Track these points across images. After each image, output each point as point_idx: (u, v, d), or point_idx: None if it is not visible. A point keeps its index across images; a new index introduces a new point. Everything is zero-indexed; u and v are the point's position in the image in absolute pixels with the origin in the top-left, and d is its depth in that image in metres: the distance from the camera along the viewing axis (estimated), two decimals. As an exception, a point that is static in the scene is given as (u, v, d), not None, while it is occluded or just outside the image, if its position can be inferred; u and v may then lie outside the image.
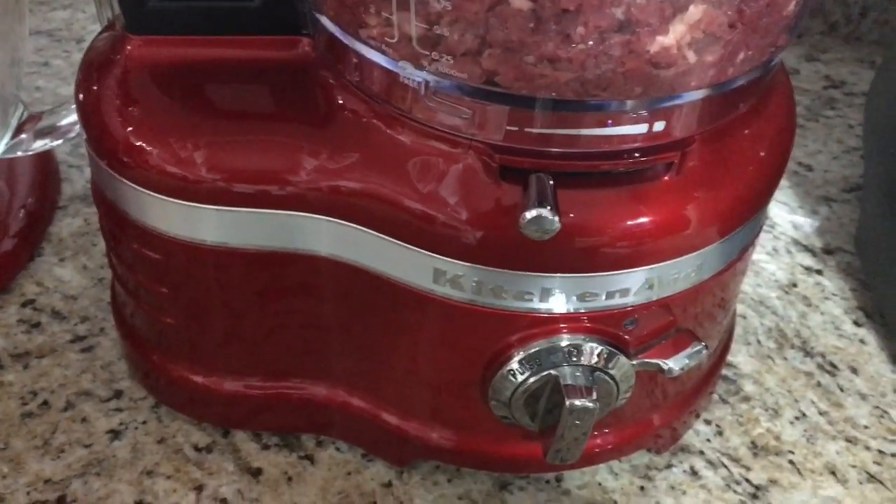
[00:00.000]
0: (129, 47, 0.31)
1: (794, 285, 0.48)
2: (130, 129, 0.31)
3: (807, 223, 0.52)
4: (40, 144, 0.43)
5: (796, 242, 0.51)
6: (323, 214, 0.31)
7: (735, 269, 0.34)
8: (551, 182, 0.27)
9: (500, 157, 0.28)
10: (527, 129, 0.28)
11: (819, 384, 0.43)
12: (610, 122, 0.27)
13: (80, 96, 0.34)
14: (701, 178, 0.30)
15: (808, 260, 0.50)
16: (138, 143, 0.31)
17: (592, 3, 0.25)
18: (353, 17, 0.28)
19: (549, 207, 0.26)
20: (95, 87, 0.33)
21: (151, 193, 0.31)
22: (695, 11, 0.25)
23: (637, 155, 0.28)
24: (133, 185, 0.31)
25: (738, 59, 0.27)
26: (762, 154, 0.33)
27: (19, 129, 0.43)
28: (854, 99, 0.61)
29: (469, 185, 0.29)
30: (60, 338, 0.42)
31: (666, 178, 0.29)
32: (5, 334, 0.42)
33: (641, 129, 0.28)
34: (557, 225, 0.26)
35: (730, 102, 0.29)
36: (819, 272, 0.49)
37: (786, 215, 0.52)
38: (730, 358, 0.43)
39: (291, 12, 0.31)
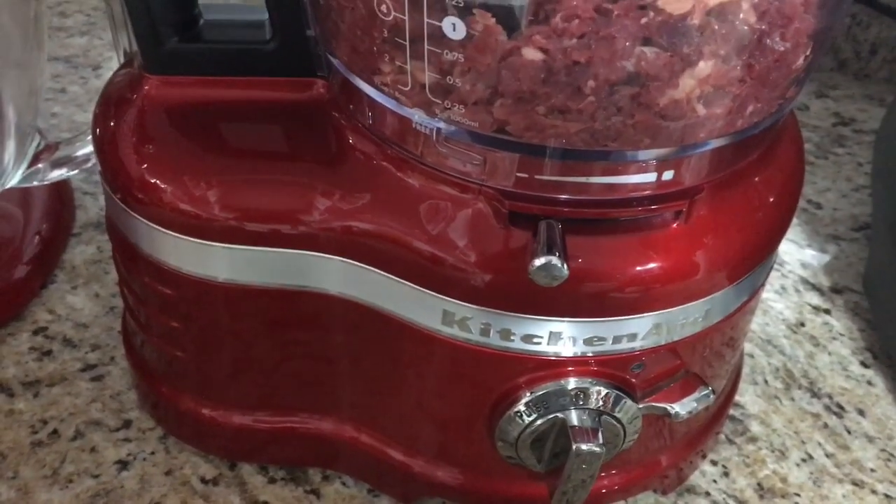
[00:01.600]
0: (146, 87, 0.32)
1: (802, 324, 0.48)
2: (145, 166, 0.32)
3: (815, 261, 0.52)
4: (56, 174, 0.44)
5: (805, 281, 0.51)
6: (334, 254, 0.31)
7: (744, 312, 0.34)
8: (560, 228, 0.28)
9: (510, 203, 0.28)
10: (537, 177, 0.28)
11: (826, 426, 0.43)
12: (619, 170, 0.28)
13: (98, 130, 0.34)
14: (710, 226, 0.30)
15: (816, 299, 0.50)
16: (153, 181, 0.32)
17: (603, 56, 0.25)
18: (367, 63, 0.28)
19: (557, 255, 0.27)
20: (112, 123, 0.33)
21: (164, 230, 0.32)
22: (704, 67, 0.25)
23: (646, 203, 0.29)
24: (146, 222, 0.32)
25: (747, 112, 0.27)
26: (772, 199, 0.33)
27: (36, 159, 0.44)
28: (863, 136, 0.62)
29: (479, 230, 0.29)
30: (71, 366, 0.42)
31: (674, 225, 0.29)
32: (17, 362, 0.42)
33: (650, 177, 0.28)
34: (566, 272, 0.27)
35: (739, 151, 0.30)
36: (827, 311, 0.49)
37: (794, 253, 0.52)
38: (737, 398, 0.43)
39: (306, 54, 0.32)
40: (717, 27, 0.25)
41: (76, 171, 0.43)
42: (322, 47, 0.31)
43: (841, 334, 0.48)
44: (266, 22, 0.32)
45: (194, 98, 0.32)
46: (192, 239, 0.31)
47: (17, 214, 0.49)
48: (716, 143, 0.28)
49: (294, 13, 0.31)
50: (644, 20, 0.25)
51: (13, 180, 0.43)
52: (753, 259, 0.33)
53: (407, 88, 0.27)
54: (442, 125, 0.28)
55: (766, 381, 0.45)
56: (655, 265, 0.29)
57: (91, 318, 0.45)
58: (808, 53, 0.27)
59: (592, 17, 0.25)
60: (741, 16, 0.26)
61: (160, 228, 0.32)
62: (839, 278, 0.51)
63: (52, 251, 0.49)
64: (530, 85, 0.26)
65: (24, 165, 0.43)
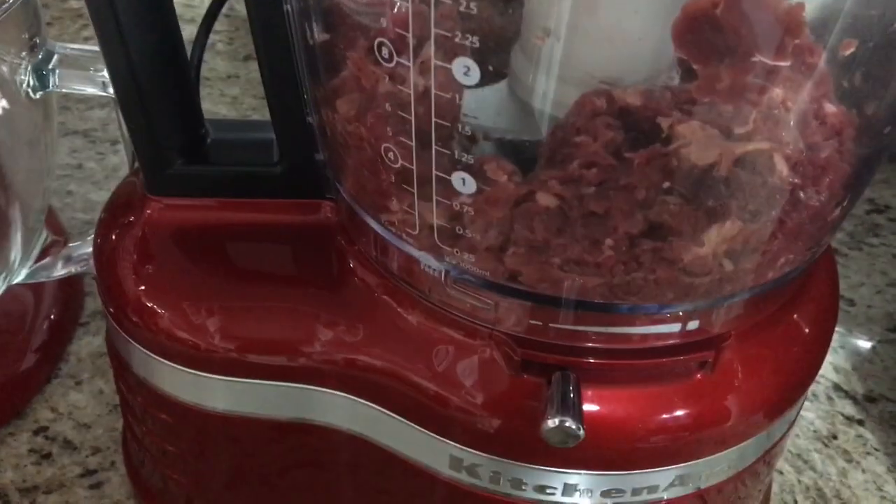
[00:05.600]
0: (148, 211, 0.31)
1: (835, 437, 0.46)
2: (143, 288, 0.31)
3: (848, 365, 0.49)
4: (64, 271, 0.43)
5: (837, 387, 0.48)
6: (338, 389, 0.30)
7: (779, 447, 0.32)
8: (576, 381, 0.26)
9: (523, 350, 0.27)
10: (551, 325, 0.26)
11: (860, 554, 0.40)
12: (639, 322, 0.26)
13: (99, 240, 0.33)
14: (738, 373, 0.28)
15: (849, 408, 0.47)
16: (149, 304, 0.30)
17: (622, 207, 0.24)
18: (373, 201, 0.27)
19: (572, 415, 0.25)
20: (114, 237, 0.32)
21: (159, 358, 0.30)
22: (731, 227, 0.23)
23: (669, 353, 0.27)
24: (140, 347, 0.31)
25: (778, 264, 0.26)
26: (807, 331, 0.31)
27: (43, 254, 0.43)
28: (899, 225, 0.59)
29: (488, 374, 0.27)
30: (70, 471, 0.41)
31: (699, 375, 0.27)
32: (15, 465, 0.41)
33: (674, 328, 0.26)
34: (581, 434, 0.25)
35: (771, 298, 0.28)
36: (861, 423, 0.46)
37: (826, 356, 0.50)
38: (765, 521, 0.40)
39: (314, 177, 0.30)
40: (745, 179, 0.24)
41: (84, 268, 0.42)
42: (330, 172, 0.30)
43: (876, 448, 0.45)
44: (274, 141, 0.31)
45: (197, 220, 0.31)
46: (189, 370, 0.30)
47: (28, 298, 0.49)
48: (745, 295, 0.26)
49: (302, 138, 0.29)
50: (667, 170, 0.23)
51: (19, 277, 0.42)
52: (791, 397, 0.30)
53: (415, 232, 0.26)
54: (451, 269, 0.26)
55: (795, 502, 0.42)
56: (679, 418, 0.27)
57: (93, 418, 0.43)
58: (844, 204, 0.25)
59: (612, 165, 0.24)
60: (772, 166, 0.24)
61: (155, 356, 0.30)
62: (874, 385, 0.48)
63: (61, 339, 0.48)
64: (544, 234, 0.24)
65: (31, 262, 0.42)
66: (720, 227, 0.24)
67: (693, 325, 0.26)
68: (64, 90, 0.36)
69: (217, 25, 0.45)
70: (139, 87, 0.28)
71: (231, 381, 0.30)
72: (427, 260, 0.26)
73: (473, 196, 0.24)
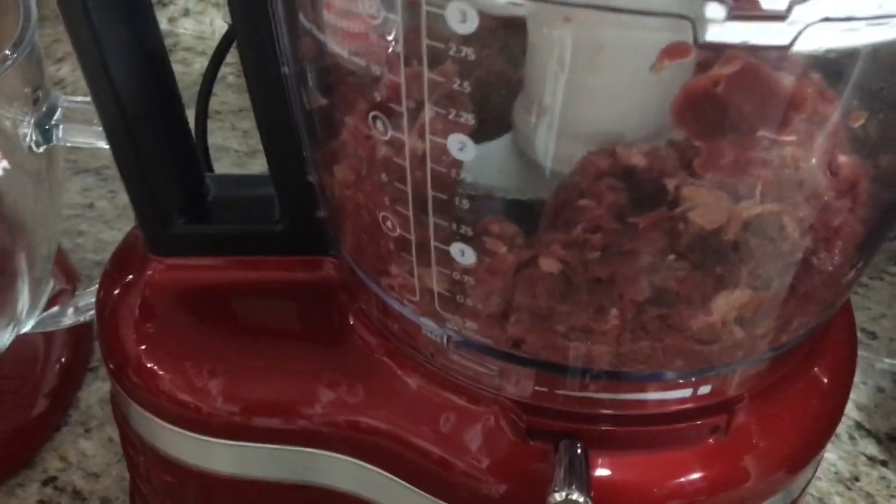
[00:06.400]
0: (149, 272, 0.30)
1: (857, 479, 0.44)
2: (143, 347, 0.30)
3: (871, 402, 0.48)
4: (72, 320, 0.42)
5: (859, 426, 0.47)
6: (341, 453, 0.29)
7: (802, 497, 0.31)
8: (584, 449, 0.25)
9: (529, 417, 0.26)
10: (557, 391, 0.25)
11: None
12: (648, 388, 0.25)
13: (102, 293, 0.33)
14: (753, 434, 0.27)
15: (871, 448, 0.46)
16: (150, 365, 0.30)
17: (628, 273, 0.23)
18: (373, 265, 0.26)
19: (578, 486, 0.24)
20: (117, 293, 0.32)
21: (159, 421, 0.30)
22: (740, 294, 0.23)
23: (680, 419, 0.26)
24: (140, 409, 0.30)
25: (792, 327, 0.25)
26: (826, 381, 0.30)
27: (51, 302, 0.43)
28: (921, 253, 0.58)
29: (494, 441, 0.27)
30: (79, 522, 0.41)
31: (711, 440, 0.27)
32: (24, 517, 0.41)
33: (684, 393, 0.25)
34: (588, 506, 0.24)
35: (785, 359, 0.27)
36: (884, 463, 0.45)
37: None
38: (786, 571, 0.39)
39: (316, 234, 0.30)
40: (754, 244, 0.23)
41: (93, 317, 0.42)
42: (331, 230, 0.29)
43: (901, 491, 0.44)
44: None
45: (199, 279, 0.31)
46: (190, 434, 0.29)
47: (39, 341, 0.48)
48: (758, 359, 0.25)
49: (303, 196, 0.29)
50: (673, 234, 0.23)
51: (27, 327, 0.41)
52: (812, 451, 0.29)
53: (415, 298, 0.25)
54: (453, 335, 0.26)
55: (818, 549, 0.41)
56: (696, 477, 0.27)
57: (102, 467, 0.43)
58: (859, 265, 0.25)
59: (617, 229, 0.23)
60: (783, 229, 0.23)
61: (155, 418, 0.30)
62: (898, 422, 0.47)
63: (71, 384, 0.48)
64: (548, 301, 0.24)
65: (38, 311, 0.42)
66: (729, 293, 0.23)
67: (704, 389, 0.26)
68: (68, 143, 0.36)
69: (228, 58, 0.45)
70: (136, 146, 0.28)
71: (234, 445, 0.29)
72: (428, 325, 0.26)
73: (473, 266, 0.23)
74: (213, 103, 0.54)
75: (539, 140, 0.24)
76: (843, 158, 0.23)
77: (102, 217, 0.58)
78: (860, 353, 0.51)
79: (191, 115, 0.36)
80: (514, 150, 0.25)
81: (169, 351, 0.30)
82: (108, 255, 0.35)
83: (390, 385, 0.28)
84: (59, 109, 0.36)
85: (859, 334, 0.52)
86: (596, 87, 0.23)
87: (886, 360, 0.50)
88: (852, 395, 0.49)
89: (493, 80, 0.20)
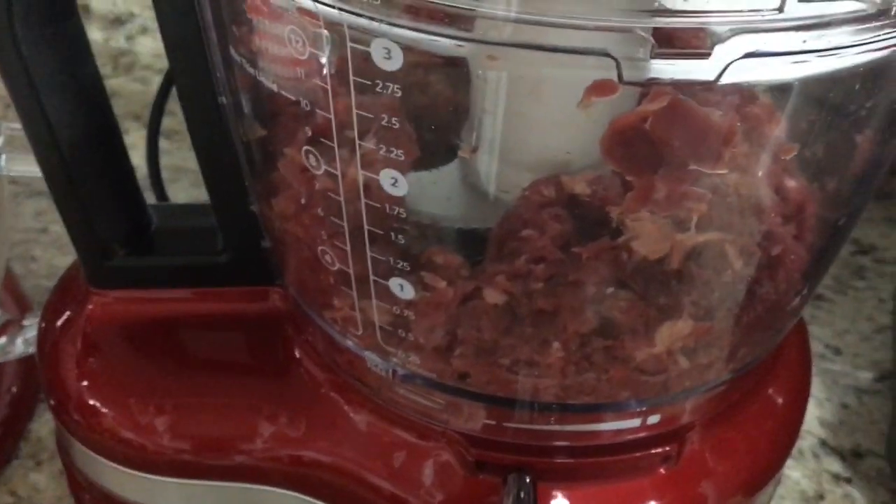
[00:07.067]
0: (90, 306, 0.30)
1: (822, 497, 0.44)
2: (85, 384, 0.29)
3: (835, 419, 0.48)
4: (21, 350, 0.41)
5: (823, 443, 0.47)
6: (288, 489, 0.28)
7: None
8: (532, 484, 0.25)
9: (477, 451, 0.25)
10: (504, 424, 0.25)
11: None
12: (596, 419, 0.25)
13: (43, 327, 0.32)
14: (707, 461, 0.27)
15: (836, 465, 0.46)
16: (92, 402, 0.29)
17: (572, 304, 0.23)
18: (315, 299, 0.26)
19: (527, 523, 0.24)
20: (57, 328, 0.31)
21: (102, 459, 0.29)
22: (683, 325, 0.22)
23: (629, 449, 0.26)
24: (82, 447, 0.29)
25: (739, 355, 0.24)
26: (781, 401, 0.30)
27: (0, 331, 0.42)
28: (885, 267, 0.58)
29: (443, 475, 0.26)
30: (28, 560, 0.39)
31: (662, 469, 0.26)
32: (-29, 556, 0.40)
33: (633, 423, 0.25)
34: (536, 542, 0.24)
35: (734, 386, 0.27)
36: (848, 481, 0.45)
37: (811, 408, 0.48)
38: None
39: (261, 264, 0.29)
40: (697, 273, 0.23)
41: (41, 347, 0.41)
42: (275, 261, 0.29)
43: (865, 508, 0.44)
44: (220, 227, 0.30)
45: (142, 312, 0.30)
46: (135, 472, 0.29)
47: (-11, 370, 0.47)
48: (706, 388, 0.25)
49: (246, 227, 0.28)
50: (616, 263, 0.22)
51: (-27, 359, 0.40)
52: (770, 470, 0.29)
53: (358, 332, 0.25)
54: (398, 368, 0.25)
55: (782, 570, 0.41)
56: (648, 508, 0.26)
57: (53, 502, 0.42)
58: (804, 292, 0.24)
59: (561, 259, 0.23)
60: (726, 257, 0.23)
61: (99, 457, 0.29)
62: (861, 439, 0.47)
63: (22, 415, 0.47)
64: (492, 334, 0.23)
65: (-15, 343, 0.41)
66: (673, 324, 0.22)
67: (654, 419, 0.25)
68: (12, 174, 0.35)
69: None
70: (70, 178, 0.27)
71: (181, 483, 0.29)
72: (373, 359, 0.25)
73: (414, 300, 0.22)
74: (172, 122, 0.53)
75: (483, 169, 0.23)
76: (788, 184, 0.23)
77: (56, 242, 0.57)
78: (824, 371, 0.51)
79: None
80: (461, 178, 0.25)
81: (112, 387, 0.29)
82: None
83: (335, 419, 0.27)
84: (1, 137, 0.35)
85: (823, 350, 0.52)
86: (539, 116, 0.22)
87: (851, 374, 0.50)
88: (816, 412, 0.48)
89: (426, 113, 0.20)
